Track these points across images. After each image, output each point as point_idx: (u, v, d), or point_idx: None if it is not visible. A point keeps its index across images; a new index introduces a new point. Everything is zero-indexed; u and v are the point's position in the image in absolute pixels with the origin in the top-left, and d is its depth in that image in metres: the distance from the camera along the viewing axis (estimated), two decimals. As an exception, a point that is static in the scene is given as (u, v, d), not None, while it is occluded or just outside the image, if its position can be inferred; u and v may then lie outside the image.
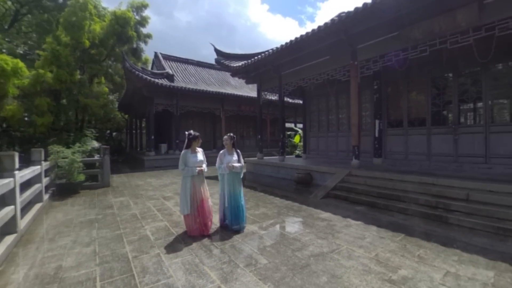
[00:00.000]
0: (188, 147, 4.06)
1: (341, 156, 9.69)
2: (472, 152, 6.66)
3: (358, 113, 7.39)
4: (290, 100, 18.66)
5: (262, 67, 9.93)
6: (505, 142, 6.16)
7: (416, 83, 7.93)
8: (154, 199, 6.58)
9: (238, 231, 4.10)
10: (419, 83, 7.83)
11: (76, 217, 5.13)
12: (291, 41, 7.76)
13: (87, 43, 14.56)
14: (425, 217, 4.57)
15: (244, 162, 5.77)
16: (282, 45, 8.19)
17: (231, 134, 4.44)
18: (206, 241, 3.77)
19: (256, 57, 9.44)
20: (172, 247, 3.55)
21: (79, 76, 14.58)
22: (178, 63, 19.53)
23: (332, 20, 6.54)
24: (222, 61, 11.07)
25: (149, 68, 19.33)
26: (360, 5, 5.91)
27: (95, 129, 18.08)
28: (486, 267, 2.86)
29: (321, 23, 6.84)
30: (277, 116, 11.34)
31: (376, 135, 7.80)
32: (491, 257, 3.07)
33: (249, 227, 4.33)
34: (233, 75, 11.41)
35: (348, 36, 6.88)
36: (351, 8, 6.17)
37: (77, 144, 9.04)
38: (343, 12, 6.44)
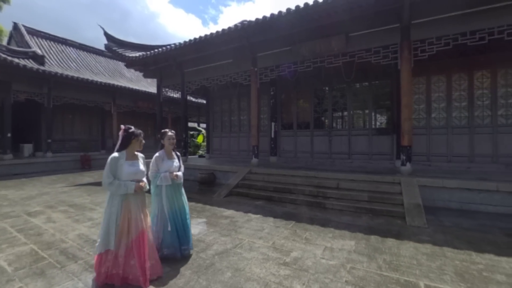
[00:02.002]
0: (122, 148, 2.66)
1: (242, 156, 10.29)
2: (341, 150, 8.45)
3: (257, 115, 8.04)
4: (194, 99, 18.28)
5: (163, 61, 9.29)
6: (360, 142, 8.15)
7: (303, 92, 9.37)
8: (12, 217, 5.00)
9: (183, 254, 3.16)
10: (305, 93, 9.30)
11: None
12: (195, 39, 7.63)
13: None
14: (310, 205, 5.46)
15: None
16: (186, 42, 7.94)
17: (173, 131, 3.26)
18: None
19: (156, 50, 8.75)
20: (45, 277, 2.82)
21: None
22: (52, 43, 15.56)
23: (236, 25, 6.87)
24: (114, 49, 9.65)
25: (4, 43, 14.57)
26: (260, 17, 6.47)
27: None
28: (350, 238, 3.70)
29: (226, 27, 7.06)
30: (180, 114, 10.92)
31: (272, 136, 8.74)
32: (353, 230, 4.00)
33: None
34: (128, 66, 10.16)
35: (250, 43, 7.39)
36: (253, 18, 6.67)
37: None
38: (245, 21, 6.87)
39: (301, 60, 7.09)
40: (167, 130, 3.19)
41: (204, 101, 13.05)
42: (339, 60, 6.64)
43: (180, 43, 8.18)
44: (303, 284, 2.57)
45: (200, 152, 14.93)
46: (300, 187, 6.09)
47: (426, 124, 7.34)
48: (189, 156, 10.90)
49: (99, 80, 13.64)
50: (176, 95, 10.88)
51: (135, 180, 2.64)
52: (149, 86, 17.83)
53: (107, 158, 2.68)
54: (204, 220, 4.72)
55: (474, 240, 3.58)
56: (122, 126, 2.73)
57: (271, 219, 4.66)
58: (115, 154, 2.62)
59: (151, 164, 3.11)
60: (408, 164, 5.79)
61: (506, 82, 6.60)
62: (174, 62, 9.06)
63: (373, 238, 3.71)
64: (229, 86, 10.01)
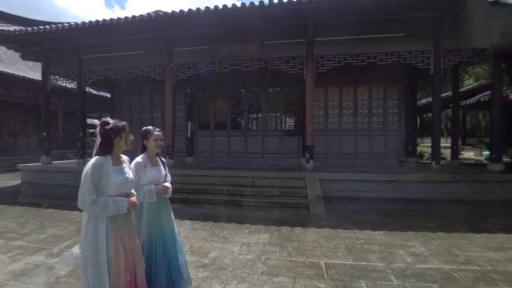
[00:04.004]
0: (106, 152, 1.84)
1: (156, 156, 9.53)
2: (255, 150, 8.96)
3: (172, 114, 7.61)
4: (95, 92, 15.70)
5: (52, 42, 7.61)
6: (272, 142, 8.87)
7: (220, 93, 9.46)
8: None
9: None
10: (223, 94, 9.42)
11: None
12: (98, 21, 6.56)
13: None
14: (227, 204, 5.55)
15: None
16: (86, 23, 6.72)
17: (158, 129, 2.44)
18: None
19: (42, 27, 7.06)
20: None
21: None
22: None
23: (149, 15, 6.30)
24: (-28, 17, 7.23)
25: None
26: (177, 10, 6.14)
27: None
28: (264, 232, 3.97)
29: (137, 14, 6.37)
30: (75, 109, 9.18)
31: (189, 135, 8.47)
32: (267, 224, 4.31)
33: (30, 259, 3.16)
34: (-4, 42, 7.81)
35: (165, 36, 6.92)
36: (169, 10, 6.27)
37: None
38: (161, 11, 6.40)
39: (219, 60, 7.14)
40: (151, 127, 2.35)
41: (109, 95, 11.40)
42: (254, 65, 7.03)
43: (77, 24, 6.87)
44: (222, 282, 2.60)
45: (103, 153, 12.95)
46: (217, 187, 6.12)
47: (324, 127, 8.65)
48: (88, 158, 9.32)
49: None
50: (71, 85, 9.09)
51: (123, 194, 1.88)
52: (30, 70, 14.23)
53: None
54: (109, 230, 4.12)
55: (358, 220, 4.45)
56: (97, 121, 1.89)
57: (187, 222, 4.50)
58: (98, 158, 1.77)
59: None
60: (311, 161, 6.67)
61: (377, 96, 8.49)
62: (68, 46, 7.53)
63: (284, 229, 4.10)
64: (140, 80, 9.09)
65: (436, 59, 6.20)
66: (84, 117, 8.53)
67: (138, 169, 2.23)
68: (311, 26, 6.25)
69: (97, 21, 6.60)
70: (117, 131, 1.84)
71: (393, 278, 2.65)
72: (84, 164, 7.90)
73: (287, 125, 9.44)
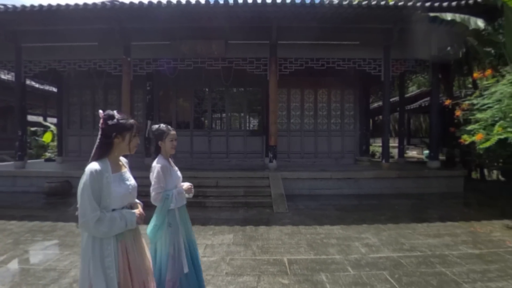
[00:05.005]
0: (103, 154, 1.48)
1: (111, 157, 8.84)
2: (219, 150, 8.86)
3: (130, 111, 7.13)
4: (38, 85, 13.90)
5: (-19, 26, 6.57)
6: (236, 142, 8.86)
7: (183, 91, 9.16)
8: None
9: None
10: (185, 92, 9.14)
11: None
12: (42, 7, 5.82)
13: None
14: (190, 206, 5.32)
15: None
16: (26, 7, 5.91)
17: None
18: None
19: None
20: None
21: None
22: None
23: (103, 4, 5.83)
24: None
25: None
26: (136, 1, 5.77)
27: None
28: (229, 232, 3.94)
29: (90, 2, 5.83)
30: (12, 103, 8.08)
31: (147, 135, 8.03)
32: (231, 224, 4.29)
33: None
34: None
35: (122, 28, 6.46)
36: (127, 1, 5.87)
37: None
38: (117, 1, 5.96)
39: (182, 57, 6.90)
40: (164, 126, 2.12)
41: (55, 89, 10.26)
42: (218, 63, 6.94)
43: (15, 7, 6.02)
44: (185, 285, 2.51)
45: (48, 154, 11.64)
46: (180, 188, 5.91)
47: (287, 127, 8.91)
48: (28, 161, 8.27)
49: None
50: (7, 76, 7.97)
51: (127, 206, 1.57)
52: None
53: None
54: (56, 241, 3.73)
55: (318, 216, 4.68)
56: (100, 113, 1.51)
57: (145, 227, 4.25)
58: (96, 165, 1.41)
59: (154, 180, 2.03)
60: (274, 161, 6.81)
61: (336, 99, 9.02)
62: (3, 30, 6.59)
63: (248, 228, 4.13)
64: (93, 74, 8.33)
65: (386, 67, 6.81)
66: (23, 114, 7.54)
67: (165, 173, 2.04)
68: (274, 28, 6.39)
69: (41, 6, 5.86)
70: (121, 129, 1.48)
71: (350, 268, 2.84)
72: (24, 166, 7.03)
73: (251, 125, 9.51)
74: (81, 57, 6.98)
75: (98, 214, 1.36)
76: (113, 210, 1.45)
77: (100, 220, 1.36)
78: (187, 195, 2.19)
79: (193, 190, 2.23)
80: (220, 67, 7.05)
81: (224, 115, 9.32)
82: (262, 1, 5.53)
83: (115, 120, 1.47)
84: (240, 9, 5.69)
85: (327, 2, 5.58)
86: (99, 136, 1.49)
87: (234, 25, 6.25)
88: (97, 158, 1.45)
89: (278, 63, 6.76)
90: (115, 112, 1.52)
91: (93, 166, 1.40)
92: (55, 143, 11.21)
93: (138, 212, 1.58)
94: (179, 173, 2.22)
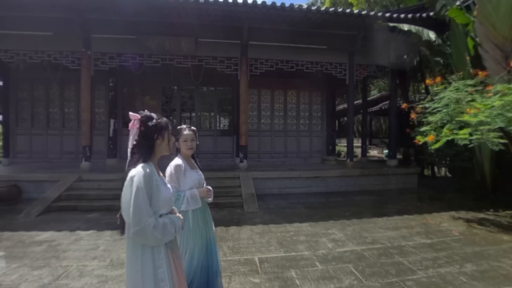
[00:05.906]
0: (148, 157, 1.37)
1: (68, 159, 8.12)
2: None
3: (90, 109, 6.65)
4: (-23, 78, 12.33)
5: None
6: (207, 142, 8.69)
7: (150, 89, 8.76)
8: None
9: None
10: (152, 90, 8.75)
11: None
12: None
13: None
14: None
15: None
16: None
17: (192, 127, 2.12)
18: None
19: None
20: None
21: None
22: None
23: (59, -9, 5.34)
24: None
25: None
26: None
27: None
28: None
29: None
30: None
31: (111, 134, 7.56)
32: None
33: None
34: None
35: (82, 19, 6.00)
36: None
37: None
38: (75, -11, 5.51)
39: (149, 53, 6.60)
40: (183, 126, 2.07)
41: (0, 83, 9.15)
42: (188, 61, 6.77)
43: None
44: (153, 291, 2.40)
45: (-9, 155, 10.33)
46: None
47: (257, 127, 8.98)
48: (-34, 162, 7.28)
49: None
50: None
51: (170, 209, 1.49)
52: None
53: None
54: (2, 253, 3.33)
55: (288, 215, 4.79)
56: (133, 114, 1.38)
57: (108, 232, 3.99)
58: (145, 167, 1.31)
59: (166, 179, 1.90)
60: (245, 161, 6.83)
61: (304, 100, 9.32)
62: None
63: (219, 229, 4.07)
64: (47, 67, 7.59)
65: (351, 71, 7.21)
66: (-40, 109, 6.62)
67: (178, 173, 1.98)
68: (245, 29, 6.40)
69: (-18, -12, 5.22)
70: (160, 129, 1.41)
71: (318, 263, 2.96)
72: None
73: (222, 125, 9.41)
74: (33, 47, 6.33)
75: (154, 220, 1.27)
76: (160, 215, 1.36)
77: (156, 226, 1.27)
78: (209, 199, 2.14)
79: (212, 194, 2.15)
80: (189, 65, 6.87)
81: (194, 114, 9.10)
82: (233, 0, 5.51)
83: (154, 121, 1.39)
84: (211, 7, 5.61)
85: (296, 6, 5.74)
86: (135, 139, 1.37)
87: (204, 23, 6.14)
88: (142, 161, 1.34)
89: (249, 64, 6.78)
90: (151, 113, 1.43)
91: (142, 169, 1.30)
92: (0, 143, 9.99)
93: (181, 217, 1.51)
94: (199, 175, 2.14)
